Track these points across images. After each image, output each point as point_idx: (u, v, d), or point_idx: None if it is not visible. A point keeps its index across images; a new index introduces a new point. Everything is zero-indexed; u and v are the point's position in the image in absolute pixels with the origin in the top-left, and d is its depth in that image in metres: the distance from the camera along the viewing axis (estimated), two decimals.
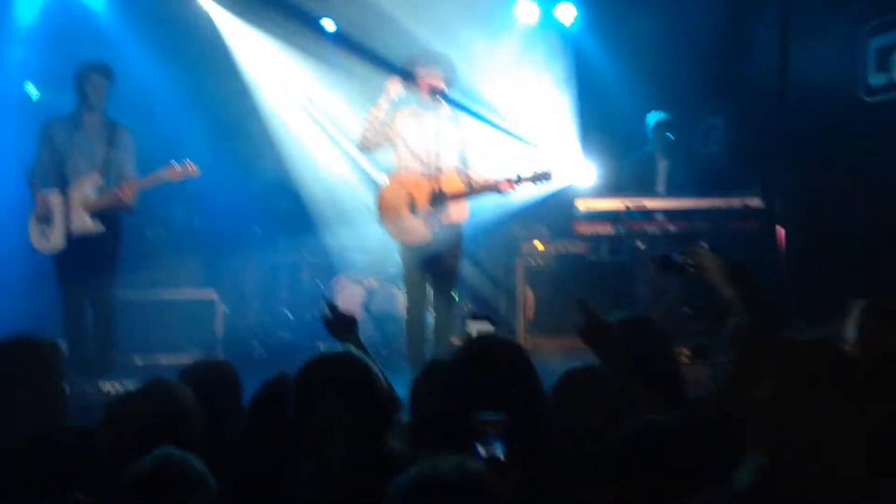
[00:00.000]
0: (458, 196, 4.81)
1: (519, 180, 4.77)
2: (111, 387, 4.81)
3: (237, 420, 2.34)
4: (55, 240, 5.12)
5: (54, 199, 5.12)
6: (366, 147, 4.98)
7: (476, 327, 2.13)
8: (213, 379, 2.51)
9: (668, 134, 6.46)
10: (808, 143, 6.14)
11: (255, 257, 6.88)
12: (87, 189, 5.13)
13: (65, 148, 5.13)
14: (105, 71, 5.16)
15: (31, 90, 6.48)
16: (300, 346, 6.35)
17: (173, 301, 6.14)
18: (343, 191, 6.99)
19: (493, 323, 2.16)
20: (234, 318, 6.40)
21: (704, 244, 2.45)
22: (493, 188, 4.81)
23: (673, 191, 6.27)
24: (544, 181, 4.83)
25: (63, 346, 4.94)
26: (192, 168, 5.17)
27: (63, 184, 5.13)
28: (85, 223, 5.10)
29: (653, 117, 6.49)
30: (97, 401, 4.35)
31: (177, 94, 6.57)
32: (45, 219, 5.11)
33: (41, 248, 5.18)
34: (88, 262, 5.07)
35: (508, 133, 5.83)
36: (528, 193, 5.51)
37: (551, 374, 2.30)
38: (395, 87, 4.84)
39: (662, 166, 6.48)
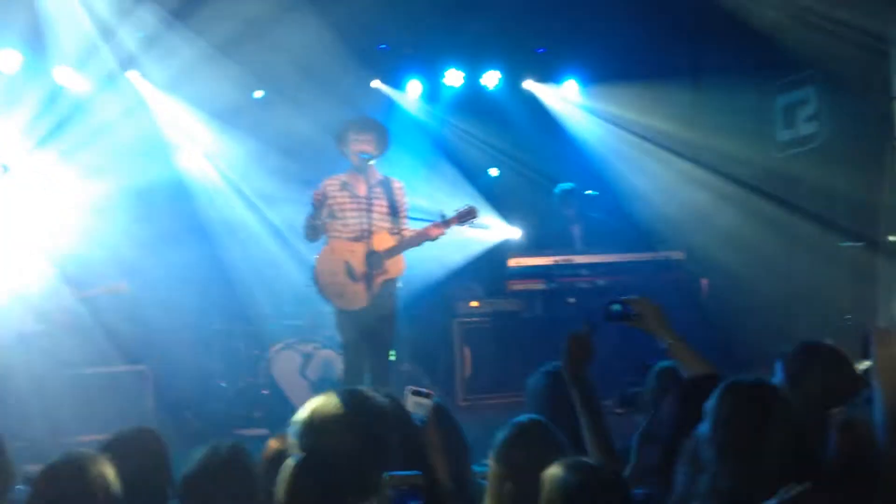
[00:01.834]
0: (391, 252, 4.84)
1: (445, 221, 4.80)
2: (33, 467, 4.63)
3: (165, 489, 2.32)
4: None
5: None
6: (311, 240, 4.98)
7: (414, 401, 2.15)
8: (137, 449, 2.48)
9: (586, 192, 6.74)
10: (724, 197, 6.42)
11: (188, 327, 6.74)
12: None
13: None
14: None
15: None
16: (234, 417, 6.22)
17: (102, 374, 5.95)
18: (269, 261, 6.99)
19: (431, 398, 2.18)
20: (166, 389, 6.22)
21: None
22: (425, 236, 4.83)
23: (590, 252, 6.47)
24: (470, 219, 4.84)
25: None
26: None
27: None
28: None
29: (559, 188, 6.80)
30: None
31: None
32: None
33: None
34: None
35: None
36: (460, 237, 5.56)
37: (489, 430, 2.33)
38: (317, 196, 4.88)
39: (577, 231, 6.71)
